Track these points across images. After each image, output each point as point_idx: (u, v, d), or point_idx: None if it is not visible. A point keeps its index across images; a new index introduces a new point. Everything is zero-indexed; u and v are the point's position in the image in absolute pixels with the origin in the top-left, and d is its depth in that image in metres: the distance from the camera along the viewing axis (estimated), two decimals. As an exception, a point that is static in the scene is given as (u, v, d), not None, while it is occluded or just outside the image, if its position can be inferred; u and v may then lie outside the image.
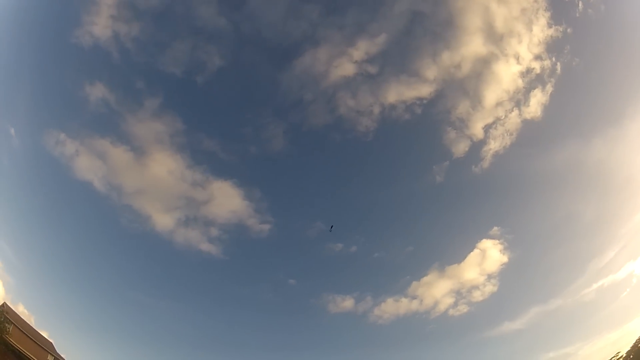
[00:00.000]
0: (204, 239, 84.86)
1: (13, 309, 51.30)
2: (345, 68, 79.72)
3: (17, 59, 74.53)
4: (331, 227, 77.01)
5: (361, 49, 79.18)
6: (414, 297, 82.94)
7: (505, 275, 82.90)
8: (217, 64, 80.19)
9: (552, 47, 78.06)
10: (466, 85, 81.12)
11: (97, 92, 75.51)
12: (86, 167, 77.66)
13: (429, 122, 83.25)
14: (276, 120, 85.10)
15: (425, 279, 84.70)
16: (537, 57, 77.57)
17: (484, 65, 79.90)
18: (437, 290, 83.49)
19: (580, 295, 79.08)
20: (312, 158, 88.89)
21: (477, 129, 79.86)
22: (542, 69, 77.91)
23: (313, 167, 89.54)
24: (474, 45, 77.65)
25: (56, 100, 78.93)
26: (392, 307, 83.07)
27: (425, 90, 78.65)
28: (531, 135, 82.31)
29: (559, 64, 78.17)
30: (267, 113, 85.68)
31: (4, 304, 49.70)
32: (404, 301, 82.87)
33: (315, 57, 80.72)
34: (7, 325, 46.16)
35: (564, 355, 74.75)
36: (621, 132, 78.70)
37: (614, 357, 59.75)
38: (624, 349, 59.78)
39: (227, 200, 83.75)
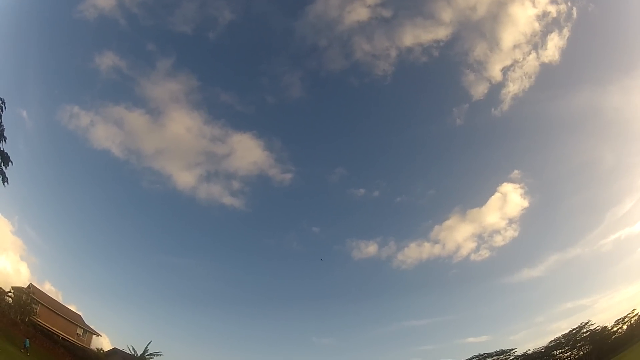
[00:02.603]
0: (226, 192, 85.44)
1: (39, 288, 54.18)
2: (359, 12, 77.63)
3: (23, 42, 74.27)
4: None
5: None
6: (436, 242, 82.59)
7: (525, 220, 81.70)
8: (228, 18, 78.42)
9: None
10: (482, 27, 78.13)
11: (107, 61, 75.24)
12: (103, 136, 78.85)
13: (447, 65, 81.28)
14: (292, 69, 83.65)
15: (447, 222, 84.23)
16: (553, 1, 74.37)
17: (499, 7, 77.53)
18: (459, 235, 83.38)
19: (597, 246, 77.99)
20: (330, 104, 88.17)
21: (495, 71, 77.61)
22: (558, 12, 74.46)
23: (332, 113, 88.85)
24: None
25: (66, 76, 79.42)
26: (415, 251, 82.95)
27: (441, 33, 75.95)
28: (549, 79, 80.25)
29: (574, 8, 74.35)
30: (283, 62, 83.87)
31: (30, 285, 52.56)
32: (427, 246, 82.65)
33: (328, 2, 78.30)
34: (33, 306, 48.99)
35: (581, 306, 74.95)
36: (636, 81, 75.95)
37: (629, 313, 59.38)
38: (640, 306, 59.34)
39: (247, 152, 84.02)
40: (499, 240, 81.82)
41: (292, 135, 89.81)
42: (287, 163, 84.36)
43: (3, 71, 67.25)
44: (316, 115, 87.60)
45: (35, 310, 48.56)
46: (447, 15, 76.03)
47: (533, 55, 76.75)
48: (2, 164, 34.12)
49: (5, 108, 30.32)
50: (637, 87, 76.81)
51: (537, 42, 76.38)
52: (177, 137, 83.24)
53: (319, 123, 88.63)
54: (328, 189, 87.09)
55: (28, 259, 63.71)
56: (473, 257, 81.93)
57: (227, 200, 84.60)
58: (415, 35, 76.76)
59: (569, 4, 74.38)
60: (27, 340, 39.33)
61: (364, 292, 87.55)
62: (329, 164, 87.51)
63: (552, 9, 74.37)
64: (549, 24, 75.22)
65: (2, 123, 31.03)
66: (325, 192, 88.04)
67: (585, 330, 64.52)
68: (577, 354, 61.98)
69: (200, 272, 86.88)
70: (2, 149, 33.87)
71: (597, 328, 63.28)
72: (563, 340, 65.86)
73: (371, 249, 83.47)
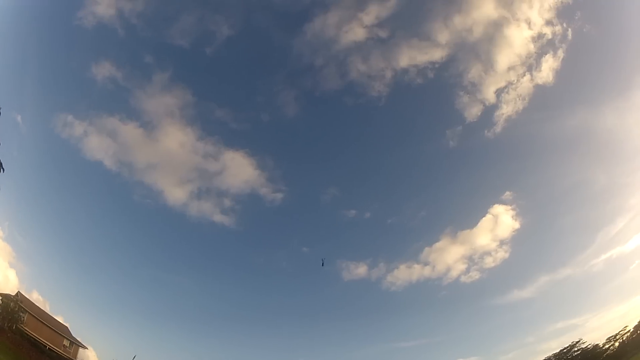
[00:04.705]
0: (217, 210, 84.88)
1: (27, 297, 52.90)
2: (356, 32, 78.16)
3: (20, 46, 74.22)
4: (323, 262, 77.29)
5: (371, 13, 77.26)
6: (426, 263, 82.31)
7: (516, 241, 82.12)
8: (226, 34, 79.03)
9: (563, 13, 76.04)
10: (478, 49, 79.40)
11: (104, 70, 74.93)
12: (96, 146, 78.04)
13: (442, 86, 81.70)
14: (287, 87, 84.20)
15: (437, 244, 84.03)
16: (549, 23, 75.61)
17: (495, 29, 78.46)
18: (449, 256, 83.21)
19: (589, 266, 78.37)
20: (324, 124, 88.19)
21: (489, 93, 78.41)
22: (554, 34, 76.01)
23: (326, 132, 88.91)
24: (485, 9, 76.04)
25: (62, 83, 79.15)
26: (405, 273, 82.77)
27: (437, 54, 77.01)
28: (543, 101, 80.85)
29: (570, 30, 76.16)
30: (278, 80, 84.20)
31: (18, 293, 51.23)
32: (417, 267, 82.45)
33: (325, 22, 78.72)
34: (21, 314, 47.81)
35: (572, 326, 75.02)
36: (629, 102, 77.48)
37: (621, 330, 59.83)
38: (632, 322, 59.95)
39: (239, 170, 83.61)
40: (489, 262, 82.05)
41: (285, 154, 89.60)
42: (279, 182, 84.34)
43: (1, 75, 67.44)
44: (310, 134, 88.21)
45: (22, 319, 47.35)
46: (443, 36, 77.43)
47: (527, 77, 78.19)
48: (-5, 169, 33.86)
49: (0, 114, 30.42)
50: (630, 107, 77.68)
51: (531, 64, 78.01)
52: (170, 152, 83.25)
53: (312, 143, 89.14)
54: (319, 210, 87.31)
55: (17, 266, 62.44)
56: (463, 278, 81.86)
57: (218, 217, 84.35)
58: (411, 57, 78.03)
59: (565, 25, 75.83)
60: None
61: (353, 313, 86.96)
62: (321, 184, 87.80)
63: (548, 31, 75.83)
64: (544, 46, 76.85)
65: None
66: (317, 213, 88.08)
67: (576, 349, 64.72)
68: (569, 373, 61.84)
69: (189, 288, 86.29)
70: None
71: (589, 346, 63.57)
72: (554, 360, 66.05)
73: (361, 270, 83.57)
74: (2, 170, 34.11)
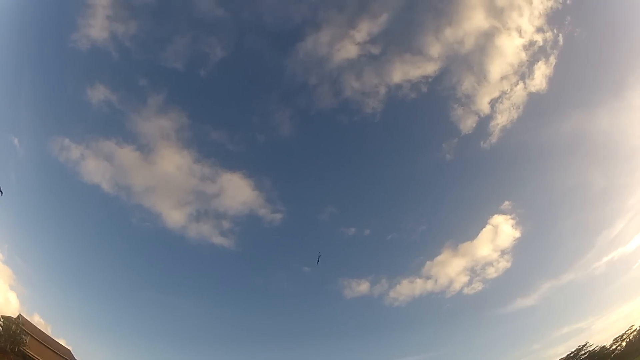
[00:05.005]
0: (216, 232, 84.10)
1: (29, 319, 52.32)
2: (348, 50, 78.24)
3: (15, 68, 74.64)
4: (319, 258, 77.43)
5: (363, 30, 77.34)
6: (428, 277, 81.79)
7: (517, 250, 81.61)
8: (219, 55, 79.02)
9: (553, 19, 76.93)
10: (470, 60, 79.71)
11: (99, 94, 74.73)
12: (93, 170, 77.24)
13: (436, 100, 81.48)
14: (282, 107, 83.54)
15: (439, 258, 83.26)
16: (539, 30, 76.63)
17: (486, 40, 78.69)
18: (451, 269, 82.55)
19: (591, 269, 78.08)
20: (320, 142, 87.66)
21: (483, 104, 78.60)
22: (545, 41, 77.00)
23: (322, 151, 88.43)
24: (475, 20, 76.47)
25: (58, 106, 78.76)
26: (407, 288, 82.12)
27: (429, 68, 77.23)
28: (537, 108, 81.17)
29: (560, 35, 77.29)
30: (273, 100, 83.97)
31: (19, 316, 50.71)
32: (419, 282, 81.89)
33: (318, 40, 78.82)
34: (23, 337, 47.21)
35: (578, 330, 74.00)
36: (624, 102, 78.11)
37: (627, 330, 59.81)
38: (638, 321, 60.03)
39: (237, 191, 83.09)
40: (491, 272, 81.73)
41: (282, 174, 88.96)
42: (277, 203, 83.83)
43: None
44: (306, 154, 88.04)
45: (25, 341, 46.69)
46: (435, 50, 77.96)
47: (521, 85, 78.62)
48: (-7, 193, 33.98)
49: None
50: (624, 108, 78.19)
51: (524, 72, 78.46)
52: (167, 175, 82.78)
53: (309, 162, 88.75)
54: (319, 228, 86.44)
55: (17, 289, 61.55)
56: (466, 290, 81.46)
57: (217, 239, 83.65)
58: (404, 72, 78.42)
59: (555, 31, 76.68)
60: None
61: (356, 330, 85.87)
62: (319, 203, 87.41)
63: (539, 38, 76.59)
64: (535, 53, 77.42)
65: None
66: (316, 232, 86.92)
67: (583, 352, 64.63)
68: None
69: (189, 310, 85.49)
70: None
71: (596, 349, 63.48)
72: (562, 364, 65.79)
73: (363, 287, 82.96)
74: (0, 193, 34.29)
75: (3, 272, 60.79)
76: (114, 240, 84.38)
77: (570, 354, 66.00)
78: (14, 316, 49.68)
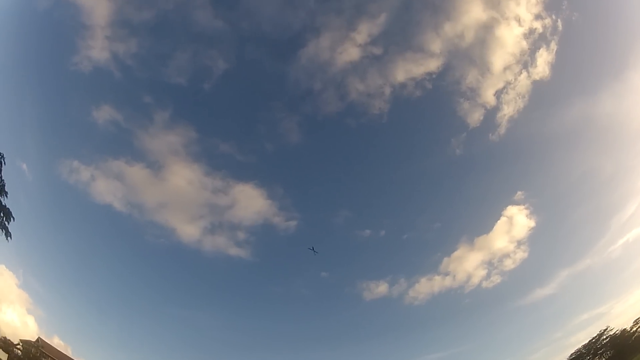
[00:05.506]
0: (231, 243, 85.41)
1: (48, 342, 54.45)
2: (350, 53, 78.95)
3: (19, 94, 75.32)
4: (313, 250, 77.23)
5: (363, 31, 77.82)
6: (446, 274, 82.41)
7: (533, 239, 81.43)
8: (221, 67, 80.00)
9: (550, 5, 76.61)
10: (472, 53, 79.29)
11: (104, 114, 76.33)
12: (104, 190, 79.00)
13: (441, 96, 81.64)
14: (289, 114, 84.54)
15: (455, 253, 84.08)
16: (537, 17, 75.55)
17: (486, 32, 78.09)
18: (468, 264, 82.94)
19: (607, 253, 77.28)
20: (329, 147, 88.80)
21: (488, 96, 78.25)
22: (544, 27, 75.87)
23: (331, 155, 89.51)
24: (474, 13, 75.96)
25: (64, 129, 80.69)
26: (426, 286, 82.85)
27: (432, 65, 77.23)
28: (542, 96, 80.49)
29: (559, 20, 75.92)
30: (279, 108, 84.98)
31: (39, 339, 52.94)
32: (437, 279, 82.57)
33: (319, 45, 79.38)
34: (43, 359, 49.23)
35: (598, 315, 72.99)
36: (625, 84, 76.73)
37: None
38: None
39: (250, 202, 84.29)
40: (509, 264, 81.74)
41: (294, 181, 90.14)
42: (291, 210, 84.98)
43: (1, 125, 68.24)
44: (316, 159, 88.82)
45: (44, 364, 48.84)
46: (436, 46, 77.52)
47: (524, 74, 77.95)
48: (5, 219, 35.33)
49: (4, 163, 31.80)
50: (627, 89, 77.06)
51: (526, 61, 77.75)
52: (179, 190, 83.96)
53: (319, 167, 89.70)
54: (334, 233, 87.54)
55: (35, 312, 63.51)
56: (485, 284, 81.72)
57: (233, 251, 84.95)
58: (407, 70, 78.23)
59: (553, 17, 75.74)
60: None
61: (377, 332, 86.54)
62: (332, 207, 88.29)
63: (538, 25, 75.72)
64: (536, 41, 76.63)
65: (3, 178, 32.46)
66: (331, 236, 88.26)
67: (604, 336, 63.32)
68: (600, 361, 60.39)
69: (209, 323, 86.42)
70: (4, 204, 35.02)
71: (617, 332, 62.20)
72: (584, 351, 64.87)
73: (382, 288, 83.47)
74: (12, 219, 35.65)
75: (20, 296, 63.12)
76: (129, 258, 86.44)
77: (592, 339, 64.76)
78: (33, 339, 52.01)
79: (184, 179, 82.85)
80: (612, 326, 63.38)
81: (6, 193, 34.99)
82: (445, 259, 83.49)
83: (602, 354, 61.25)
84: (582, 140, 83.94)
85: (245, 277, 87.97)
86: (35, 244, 71.49)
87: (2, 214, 34.94)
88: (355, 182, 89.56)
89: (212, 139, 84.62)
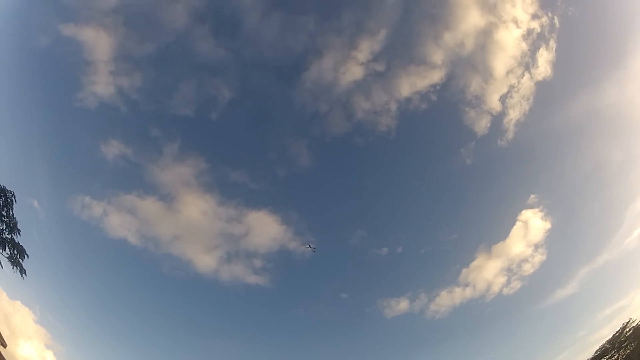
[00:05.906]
0: (249, 271, 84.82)
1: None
2: (353, 72, 79.71)
3: (26, 132, 75.95)
4: (310, 246, 76.95)
5: (364, 49, 78.98)
6: (466, 285, 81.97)
7: (550, 241, 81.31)
8: (227, 96, 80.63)
9: (546, 3, 77.90)
10: (473, 60, 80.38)
11: (113, 149, 76.82)
12: (117, 224, 78.97)
13: (447, 106, 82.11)
14: (297, 138, 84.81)
15: (474, 263, 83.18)
16: (534, 16, 76.96)
17: (485, 37, 79.11)
18: (487, 272, 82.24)
19: (624, 245, 76.95)
20: (339, 168, 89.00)
21: (494, 102, 78.99)
22: (542, 26, 77.23)
23: (342, 176, 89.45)
24: (471, 19, 77.34)
25: (74, 165, 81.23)
26: (446, 299, 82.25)
27: (436, 76, 78.11)
28: (546, 95, 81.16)
29: (555, 17, 77.49)
30: (287, 133, 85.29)
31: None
32: (458, 290, 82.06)
33: (322, 67, 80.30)
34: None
35: (619, 309, 72.21)
36: (627, 71, 77.79)
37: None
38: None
39: (265, 228, 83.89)
40: (528, 269, 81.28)
41: (307, 205, 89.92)
42: (306, 234, 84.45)
43: (10, 163, 68.87)
44: (327, 181, 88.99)
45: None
46: (437, 56, 78.43)
47: (527, 76, 78.84)
48: (19, 256, 36.18)
49: (15, 201, 32.97)
50: (629, 78, 77.87)
51: (527, 62, 78.70)
52: (193, 221, 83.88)
53: (331, 189, 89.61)
54: (351, 253, 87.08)
55: (54, 347, 63.50)
56: (505, 291, 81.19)
57: (251, 279, 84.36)
58: (411, 84, 78.76)
59: (550, 14, 76.94)
60: None
61: (402, 348, 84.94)
62: (348, 228, 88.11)
63: (535, 25, 76.91)
64: (535, 41, 77.87)
65: (15, 216, 33.43)
66: (349, 257, 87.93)
67: (628, 329, 62.11)
68: (625, 354, 59.04)
69: (230, 352, 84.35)
70: (17, 241, 36.00)
71: (639, 323, 61.05)
72: (608, 346, 63.29)
73: (403, 305, 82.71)
74: (26, 256, 36.46)
75: (37, 332, 63.35)
76: (146, 291, 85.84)
77: (615, 333, 63.54)
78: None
79: (197, 209, 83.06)
80: (634, 318, 62.27)
81: (19, 231, 36.14)
82: (464, 270, 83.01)
83: (626, 346, 60.01)
84: (589, 133, 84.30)
85: (264, 305, 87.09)
86: (49, 280, 71.51)
87: (15, 252, 36.02)
88: (369, 201, 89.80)
89: (223, 168, 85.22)
